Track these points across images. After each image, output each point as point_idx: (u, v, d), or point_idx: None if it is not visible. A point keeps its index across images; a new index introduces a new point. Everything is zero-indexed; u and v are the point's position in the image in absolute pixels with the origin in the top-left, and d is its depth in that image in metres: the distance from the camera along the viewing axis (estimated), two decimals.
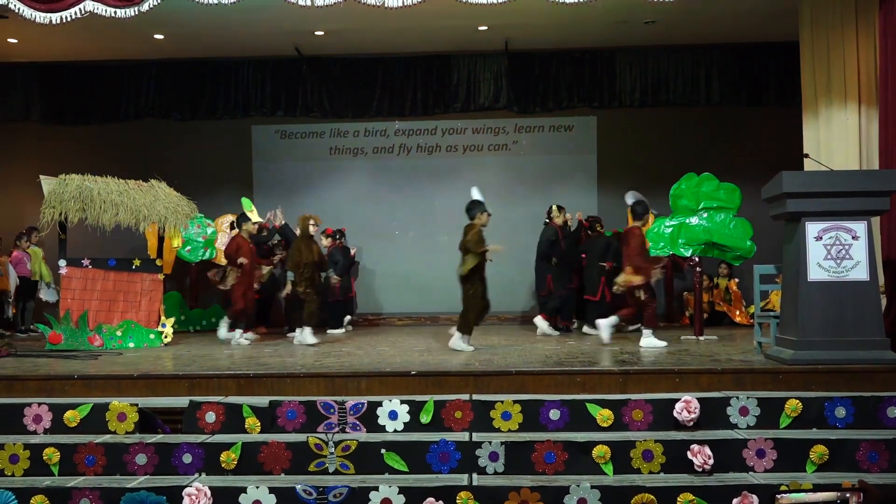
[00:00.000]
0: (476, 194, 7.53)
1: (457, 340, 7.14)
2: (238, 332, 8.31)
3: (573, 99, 10.70)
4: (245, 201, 8.50)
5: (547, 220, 9.29)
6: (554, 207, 9.22)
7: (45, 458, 4.74)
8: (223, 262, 10.49)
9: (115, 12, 7.14)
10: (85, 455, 4.72)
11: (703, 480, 4.47)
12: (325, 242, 9.90)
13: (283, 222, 9.44)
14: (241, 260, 8.29)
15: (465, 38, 10.03)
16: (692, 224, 8.43)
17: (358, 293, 11.17)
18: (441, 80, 10.70)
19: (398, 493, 4.33)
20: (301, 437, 4.76)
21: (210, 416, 5.02)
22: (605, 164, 11.48)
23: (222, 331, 8.44)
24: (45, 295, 10.37)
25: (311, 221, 8.36)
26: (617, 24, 9.48)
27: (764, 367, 5.61)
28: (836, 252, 5.59)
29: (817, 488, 4.24)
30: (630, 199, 7.75)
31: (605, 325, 7.45)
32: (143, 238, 9.62)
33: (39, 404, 5.13)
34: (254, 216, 8.37)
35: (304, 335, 7.97)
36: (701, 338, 8.08)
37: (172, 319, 8.42)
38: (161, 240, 8.85)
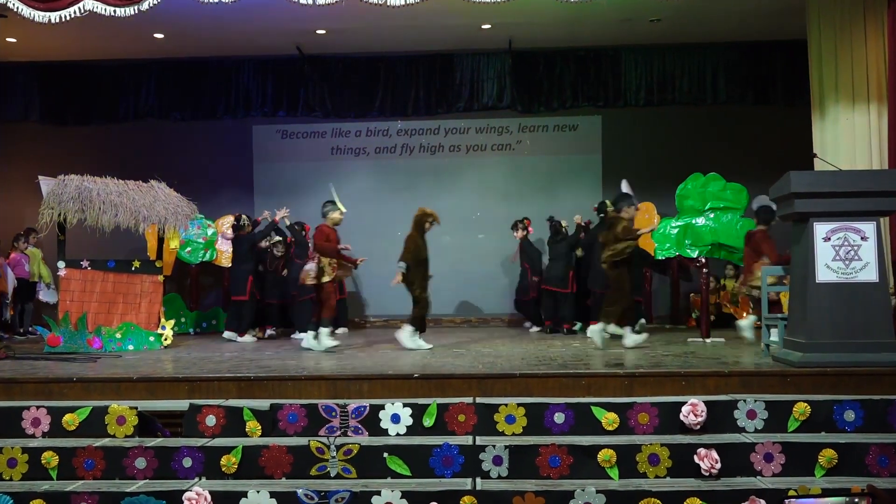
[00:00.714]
0: (626, 188, 7.50)
1: (632, 337, 7.22)
2: (326, 330, 7.70)
3: (578, 98, 10.69)
4: (331, 187, 8.11)
5: (603, 215, 9.38)
6: (608, 202, 9.23)
7: (43, 461, 4.74)
8: (223, 263, 10.52)
9: (115, 11, 7.16)
10: (84, 459, 4.73)
11: (710, 485, 4.46)
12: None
13: (287, 223, 9.47)
14: (343, 247, 7.91)
15: (469, 36, 10.03)
16: (698, 225, 8.42)
17: (359, 295, 11.19)
18: (444, 80, 10.70)
19: (401, 498, 4.33)
20: (302, 441, 4.75)
21: (210, 420, 5.01)
22: (610, 164, 11.46)
23: (325, 340, 7.60)
24: (46, 296, 10.39)
25: (431, 219, 7.84)
26: (622, 22, 9.47)
27: (771, 369, 5.59)
28: (844, 253, 5.57)
29: (826, 493, 4.23)
30: (756, 204, 7.75)
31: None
32: (143, 239, 9.64)
33: (38, 407, 5.13)
34: (339, 203, 7.97)
35: (412, 339, 7.58)
36: (707, 340, 8.07)
37: (172, 322, 8.43)
38: (161, 241, 8.86)
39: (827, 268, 5.58)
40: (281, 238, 9.69)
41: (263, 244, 9.45)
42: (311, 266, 7.69)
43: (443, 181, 11.70)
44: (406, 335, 7.58)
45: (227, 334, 9.09)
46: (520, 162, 11.67)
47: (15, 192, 11.38)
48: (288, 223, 9.67)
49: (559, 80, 10.63)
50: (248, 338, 8.99)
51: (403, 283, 7.72)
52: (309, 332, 7.64)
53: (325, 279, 7.63)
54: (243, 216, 9.47)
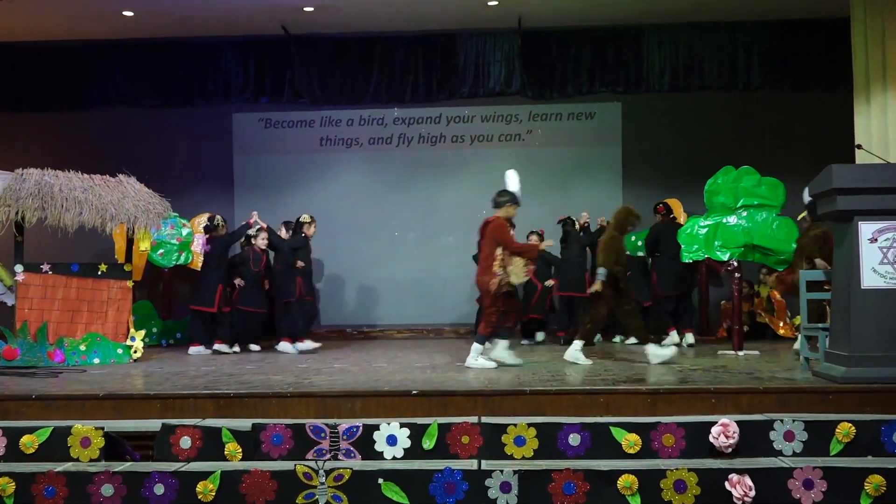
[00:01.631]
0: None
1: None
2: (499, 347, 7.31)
3: (595, 83, 10.69)
4: (514, 175, 7.79)
5: (673, 216, 9.75)
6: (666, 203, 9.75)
7: None
8: (198, 267, 10.52)
9: None
10: (44, 486, 4.71)
11: None
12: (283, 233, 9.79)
13: (264, 224, 9.45)
14: (546, 244, 7.61)
15: (473, 14, 10.04)
16: (730, 224, 8.42)
17: (351, 302, 11.18)
18: (446, 62, 10.70)
19: None
20: (288, 466, 4.74)
21: (185, 442, 5.01)
22: (630, 156, 11.47)
23: (501, 351, 7.22)
24: (5, 297, 10.37)
25: (635, 219, 7.70)
26: None
27: (812, 385, 5.58)
28: (893, 256, 5.56)
29: None
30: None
31: None
32: (110, 240, 9.64)
33: None
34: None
35: (660, 350, 7.26)
36: (740, 353, 8.06)
37: (143, 332, 8.42)
38: (130, 242, 8.86)
39: (873, 272, 5.57)
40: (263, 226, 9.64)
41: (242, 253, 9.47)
42: (499, 270, 7.18)
43: (445, 175, 11.70)
44: (574, 351, 7.30)
45: (192, 350, 9.03)
46: (530, 154, 11.66)
47: None
48: (264, 226, 9.61)
49: (574, 63, 10.62)
50: (224, 347, 9.00)
51: (597, 291, 7.48)
52: (476, 344, 7.21)
53: (515, 281, 7.24)
54: (217, 216, 9.45)
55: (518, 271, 7.18)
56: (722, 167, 8.86)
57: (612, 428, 4.95)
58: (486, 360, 7.10)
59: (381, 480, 4.64)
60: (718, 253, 8.41)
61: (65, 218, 7.77)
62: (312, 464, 4.73)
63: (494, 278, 7.14)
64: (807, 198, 7.69)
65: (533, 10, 9.92)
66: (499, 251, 7.20)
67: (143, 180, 8.68)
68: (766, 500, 4.56)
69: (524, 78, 10.59)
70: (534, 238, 9.77)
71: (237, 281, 9.36)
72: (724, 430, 4.85)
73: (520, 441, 4.93)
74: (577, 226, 9.79)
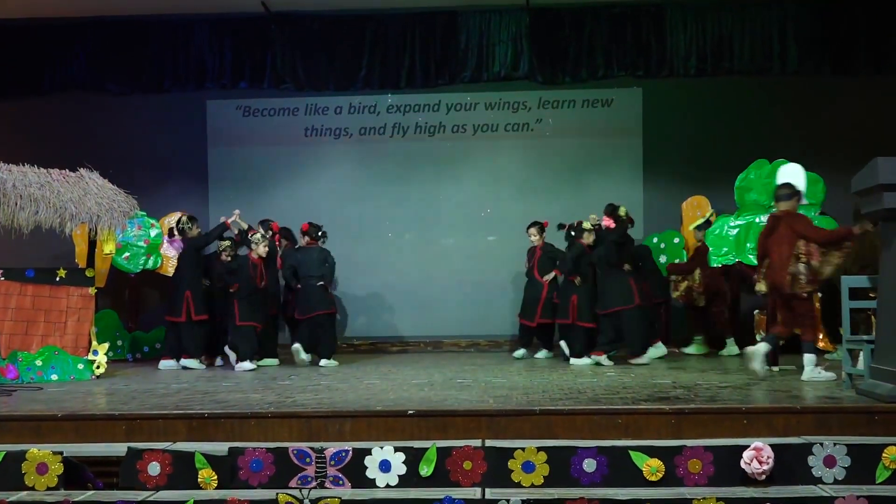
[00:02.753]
0: None
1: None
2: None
3: (612, 66, 10.67)
4: (800, 169, 7.61)
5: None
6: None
7: None
8: (169, 271, 10.52)
9: None
10: None
11: None
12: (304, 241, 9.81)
13: (245, 226, 9.46)
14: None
15: None
16: (763, 224, 8.42)
17: (338, 312, 11.16)
18: (446, 43, 10.69)
19: None
20: (269, 494, 4.75)
21: (154, 468, 5.01)
22: (652, 148, 11.45)
23: (814, 369, 7.06)
24: None
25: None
26: None
27: (855, 405, 5.58)
28: None
29: None
30: None
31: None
32: (70, 243, 9.63)
33: None
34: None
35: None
36: (775, 368, 8.04)
37: (106, 345, 8.42)
38: (93, 245, 8.86)
39: None
40: (229, 240, 9.61)
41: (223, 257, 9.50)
42: (801, 267, 6.95)
43: (444, 170, 11.69)
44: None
45: (162, 364, 9.07)
46: (540, 146, 11.67)
47: None
48: (245, 226, 9.60)
49: (589, 44, 10.61)
50: (192, 362, 9.01)
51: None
52: (807, 356, 7.07)
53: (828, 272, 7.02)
54: (183, 217, 9.47)
55: (834, 263, 6.97)
56: (754, 160, 8.87)
57: (631, 452, 4.96)
58: (823, 372, 6.97)
59: None
60: (751, 256, 8.41)
61: (19, 217, 7.76)
62: (296, 492, 4.74)
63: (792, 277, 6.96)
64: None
65: None
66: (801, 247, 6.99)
67: (106, 175, 8.68)
68: None
69: (533, 60, 10.57)
70: (533, 230, 9.89)
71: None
72: (757, 454, 4.85)
73: (528, 467, 4.93)
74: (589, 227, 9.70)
